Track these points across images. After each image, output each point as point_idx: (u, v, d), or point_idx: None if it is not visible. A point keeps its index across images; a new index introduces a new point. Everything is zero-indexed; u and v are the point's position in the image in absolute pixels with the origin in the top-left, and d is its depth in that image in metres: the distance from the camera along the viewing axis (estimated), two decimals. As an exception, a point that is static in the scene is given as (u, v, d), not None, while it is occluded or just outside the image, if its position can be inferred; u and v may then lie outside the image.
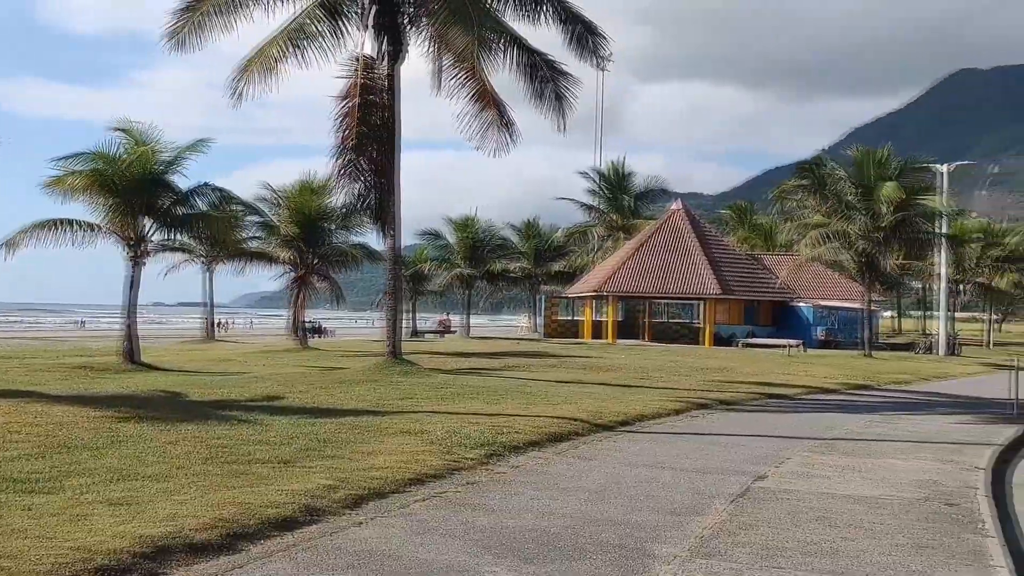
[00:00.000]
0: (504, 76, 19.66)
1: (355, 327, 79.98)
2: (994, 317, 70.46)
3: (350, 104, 18.90)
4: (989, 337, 61.50)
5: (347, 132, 18.81)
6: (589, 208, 59.16)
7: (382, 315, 23.21)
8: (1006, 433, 13.60)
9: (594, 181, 58.38)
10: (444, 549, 6.06)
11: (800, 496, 8.26)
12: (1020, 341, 67.13)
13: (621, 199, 57.73)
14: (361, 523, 6.68)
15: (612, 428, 12.24)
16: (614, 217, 57.53)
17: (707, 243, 47.97)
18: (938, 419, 15.73)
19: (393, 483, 7.84)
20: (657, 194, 60.21)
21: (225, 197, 23.67)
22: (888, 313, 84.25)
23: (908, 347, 48.32)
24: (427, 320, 67.65)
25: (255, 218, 36.09)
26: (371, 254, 34.74)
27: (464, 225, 56.43)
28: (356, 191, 19.37)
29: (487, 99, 19.14)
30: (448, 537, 6.38)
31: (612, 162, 59.35)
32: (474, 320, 66.24)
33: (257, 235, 37.09)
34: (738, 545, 6.43)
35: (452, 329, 59.48)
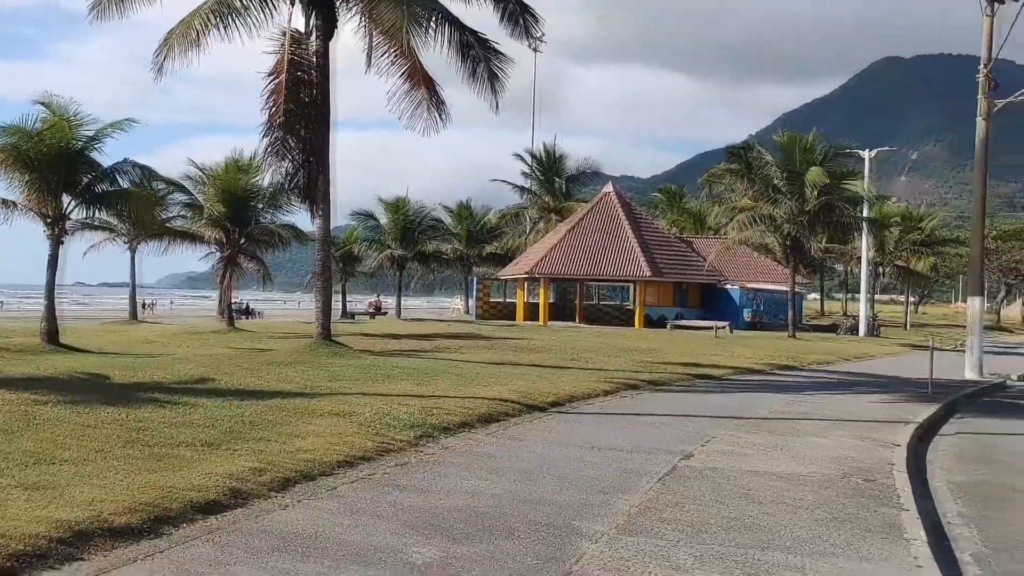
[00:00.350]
0: (438, 55, 19.49)
1: (286, 309, 78.85)
2: (912, 299, 72.68)
3: (278, 81, 18.51)
4: (907, 318, 63.49)
5: (275, 109, 18.43)
6: (523, 190, 59.24)
7: (313, 296, 22.88)
8: (922, 411, 14.06)
9: (527, 163, 58.46)
10: (372, 530, 6.01)
11: (725, 474, 8.41)
12: (936, 322, 69.49)
13: (554, 181, 57.91)
14: (288, 506, 6.59)
15: (543, 409, 12.29)
16: (547, 199, 57.71)
17: (639, 226, 48.43)
18: (858, 398, 16.18)
19: (321, 465, 7.74)
20: (590, 176, 60.53)
21: (148, 174, 22.98)
22: (813, 295, 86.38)
23: (831, 328, 49.60)
24: (359, 302, 67.02)
25: (181, 196, 35.25)
26: (301, 235, 34.22)
27: (396, 206, 55.93)
28: (285, 170, 19.00)
29: (418, 77, 18.94)
30: (376, 518, 6.33)
31: (545, 144, 59.49)
32: (407, 302, 65.86)
33: (183, 214, 36.22)
34: (664, 522, 6.52)
35: (384, 311, 59.05)
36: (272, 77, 18.74)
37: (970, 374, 22.08)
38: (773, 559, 5.71)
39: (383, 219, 56.25)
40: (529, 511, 6.68)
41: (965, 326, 25.51)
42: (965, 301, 29.98)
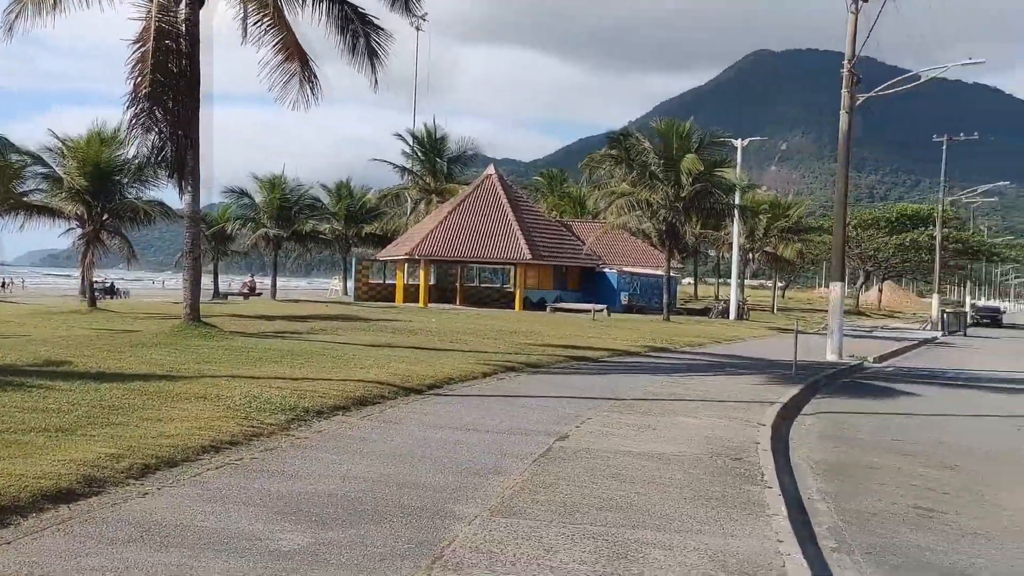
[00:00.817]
0: (317, 28, 18.99)
1: (154, 288, 75.82)
2: (780, 284, 75.78)
3: (144, 49, 17.67)
4: (775, 303, 66.16)
5: (140, 79, 17.59)
6: (404, 171, 58.68)
7: (182, 276, 22.02)
8: (787, 392, 14.63)
9: (409, 144, 57.92)
10: (238, 517, 5.79)
11: (599, 454, 8.51)
12: (802, 307, 72.69)
13: (436, 162, 57.59)
14: (147, 493, 6.28)
15: (420, 391, 12.17)
16: (428, 180, 57.37)
17: (520, 209, 48.71)
18: (727, 379, 16.70)
19: (185, 451, 7.42)
20: (472, 158, 60.47)
21: (2, 144, 21.63)
22: (687, 280, 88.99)
23: (704, 312, 51.17)
24: (232, 282, 65.11)
25: (40, 169, 33.28)
26: (169, 212, 32.87)
27: (272, 184, 54.48)
28: (151, 143, 18.16)
29: (291, 50, 18.42)
30: (243, 505, 6.10)
31: (427, 125, 59.05)
32: (283, 282, 64.45)
33: (41, 188, 34.23)
34: (538, 503, 6.53)
35: (259, 291, 57.60)
36: (138, 45, 17.88)
37: (831, 356, 23.13)
38: (642, 537, 5.80)
39: (258, 197, 54.74)
40: (403, 495, 6.57)
41: (827, 310, 26.70)
42: (828, 286, 31.36)
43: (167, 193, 31.45)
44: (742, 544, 5.78)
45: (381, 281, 52.36)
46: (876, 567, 5.95)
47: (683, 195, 40.37)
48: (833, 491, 8.17)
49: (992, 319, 70.22)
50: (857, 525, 6.99)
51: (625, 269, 49.89)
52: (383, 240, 57.19)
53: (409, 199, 58.56)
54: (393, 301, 47.35)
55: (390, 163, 58.19)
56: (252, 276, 64.37)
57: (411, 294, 47.63)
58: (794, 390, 15.01)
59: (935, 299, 59.38)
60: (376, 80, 19.30)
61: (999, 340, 44.22)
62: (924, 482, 8.79)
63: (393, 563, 5.02)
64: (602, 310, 41.16)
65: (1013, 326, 68.99)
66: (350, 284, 55.40)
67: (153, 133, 17.83)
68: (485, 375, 14.53)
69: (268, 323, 23.92)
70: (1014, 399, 17.38)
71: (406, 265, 48.74)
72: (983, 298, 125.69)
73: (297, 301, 45.83)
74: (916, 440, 11.35)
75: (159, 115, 17.76)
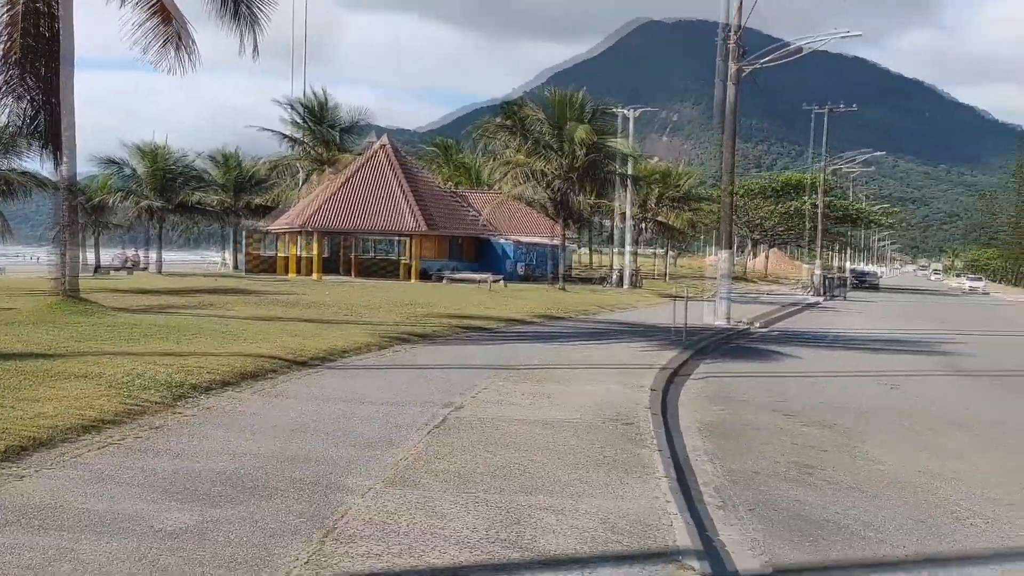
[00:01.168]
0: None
1: (31, 264, 72.21)
2: (671, 253, 77.53)
3: (13, 12, 16.69)
4: (666, 271, 67.72)
5: (10, 44, 16.63)
6: (294, 141, 57.27)
7: (59, 250, 20.97)
8: (676, 357, 15.04)
9: (297, 112, 56.48)
10: (121, 498, 5.61)
11: (493, 423, 8.57)
12: (691, 275, 74.60)
13: (326, 132, 56.40)
14: (24, 476, 6.01)
15: (312, 365, 12.00)
16: (318, 150, 56.17)
17: (413, 179, 48.32)
18: (620, 346, 17.04)
19: (64, 431, 7.13)
20: (363, 128, 59.43)
21: None
22: (582, 249, 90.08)
23: (598, 281, 51.98)
24: (114, 256, 62.62)
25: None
26: (44, 183, 31.32)
27: (153, 154, 52.42)
28: (23, 111, 17.23)
29: (164, 11, 17.66)
30: (126, 485, 5.91)
31: (315, 93, 57.63)
32: (169, 256, 62.31)
33: (-99, 158, 32.15)
34: (432, 473, 6.54)
35: (142, 265, 55.61)
36: (6, 8, 16.86)
37: (719, 321, 23.84)
38: (535, 502, 5.88)
39: (139, 168, 52.63)
40: (294, 470, 6.49)
41: (716, 277, 27.46)
42: (717, 254, 32.21)
43: (35, 164, 30.04)
44: (631, 505, 5.93)
45: (272, 254, 51.21)
46: (758, 522, 6.19)
47: (576, 165, 40.73)
48: (718, 451, 8.45)
49: (869, 283, 73.68)
50: (741, 483, 7.25)
51: (520, 239, 50.17)
52: (273, 212, 55.84)
53: (300, 170, 57.25)
54: (284, 274, 46.45)
55: (279, 133, 56.57)
56: (135, 250, 62.02)
57: (303, 266, 46.83)
58: (683, 355, 15.44)
59: (817, 265, 61.73)
60: (257, 47, 18.67)
61: (875, 303, 46.42)
62: (804, 440, 9.17)
63: (284, 538, 4.95)
64: (497, 280, 41.36)
65: (888, 289, 72.49)
66: (239, 257, 54.01)
67: (25, 101, 16.89)
68: (379, 347, 14.42)
69: (153, 298, 23.14)
70: (887, 358, 18.30)
71: (298, 237, 47.82)
72: (861, 263, 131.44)
73: (184, 275, 44.43)
74: (797, 400, 11.84)
75: (31, 82, 16.85)
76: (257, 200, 59.30)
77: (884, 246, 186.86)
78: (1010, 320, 36.75)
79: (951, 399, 12.69)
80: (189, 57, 18.07)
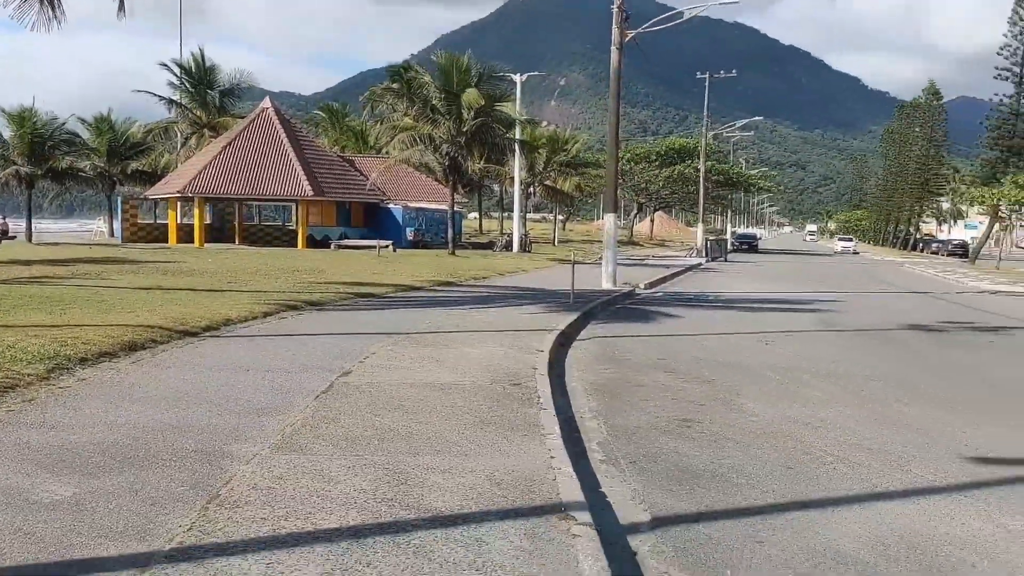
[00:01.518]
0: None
1: None
2: (560, 217, 78.35)
3: None
4: (556, 235, 68.45)
5: None
6: (171, 103, 55.16)
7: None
8: (564, 319, 15.31)
9: (175, 74, 54.40)
10: (-8, 474, 5.42)
11: (382, 387, 8.59)
12: (580, 239, 75.71)
13: (206, 95, 54.55)
14: None
15: (196, 334, 11.73)
16: (199, 113, 54.34)
17: (299, 144, 47.31)
18: (510, 310, 17.22)
19: (-72, 408, 6.82)
20: (247, 91, 57.84)
21: None
22: (472, 214, 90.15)
23: (488, 246, 52.16)
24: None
25: None
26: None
27: (22, 118, 49.69)
28: None
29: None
30: (-3, 461, 5.71)
31: (194, 54, 55.59)
32: (41, 224, 59.41)
33: None
34: (320, 438, 6.54)
35: (12, 234, 52.81)
36: None
37: (606, 284, 24.32)
38: (423, 463, 5.96)
39: (6, 132, 49.87)
40: (177, 439, 6.38)
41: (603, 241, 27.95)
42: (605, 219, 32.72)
43: None
44: (517, 463, 6.08)
45: (152, 221, 49.44)
46: (639, 474, 6.44)
47: (465, 130, 40.63)
48: (604, 409, 8.71)
49: (750, 245, 76.23)
50: (624, 438, 7.51)
51: (410, 204, 49.83)
52: (152, 177, 53.88)
53: (179, 134, 55.27)
54: (166, 242, 44.95)
55: (156, 95, 54.43)
56: (4, 218, 58.83)
57: (185, 234, 45.42)
58: (571, 317, 15.72)
59: (700, 228, 63.54)
60: (123, 4, 17.68)
61: (755, 264, 48.14)
62: (685, 396, 9.53)
63: (166, 507, 4.89)
64: (388, 246, 41.07)
65: (767, 251, 75.22)
66: (117, 225, 51.94)
67: None
68: (266, 315, 14.19)
69: (24, 268, 22.09)
70: (764, 317, 19.07)
71: (179, 203, 46.29)
72: (742, 226, 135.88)
73: (58, 244, 42.48)
74: (679, 358, 12.25)
75: None
76: (135, 165, 57.05)
77: (764, 209, 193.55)
78: (878, 278, 38.72)
79: (822, 353, 13.35)
80: (54, 12, 17.08)
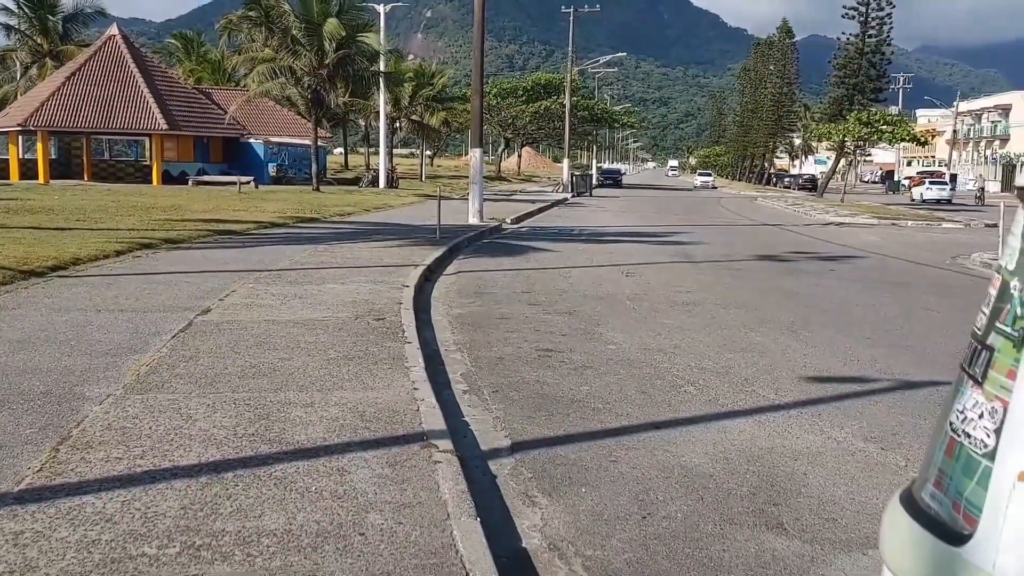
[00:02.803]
0: None
1: None
2: (428, 152, 77.62)
3: None
4: (423, 171, 67.90)
5: None
6: (8, 29, 51.32)
7: None
8: (430, 254, 15.35)
9: (12, -3, 50.53)
10: None
11: (243, 325, 8.46)
12: (448, 175, 75.40)
13: (47, 20, 50.97)
14: None
15: (43, 274, 11.19)
16: (39, 41, 50.80)
17: (151, 75, 44.99)
18: (375, 245, 17.11)
19: None
20: (91, 17, 54.30)
21: None
22: (338, 150, 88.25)
23: (354, 182, 51.36)
24: None
25: None
26: None
27: None
28: None
29: None
30: None
31: (31, -26, 51.70)
32: None
33: None
34: (177, 377, 6.42)
35: None
36: None
37: (473, 219, 24.43)
38: (285, 398, 5.95)
39: None
40: (24, 382, 6.14)
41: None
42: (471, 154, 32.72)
43: None
44: (381, 395, 6.15)
45: (-10, 156, 46.28)
46: (500, 402, 6.62)
47: (327, 62, 39.55)
48: (468, 342, 8.85)
49: (614, 180, 77.84)
50: (487, 369, 7.68)
51: (272, 139, 48.37)
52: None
53: (18, 62, 51.59)
54: (7, 179, 42.20)
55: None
56: None
57: (28, 170, 42.75)
58: (437, 252, 15.78)
59: (566, 163, 64.21)
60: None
61: (619, 199, 49.22)
62: (547, 327, 9.78)
63: (14, 449, 4.73)
64: (249, 182, 39.86)
65: (630, 186, 76.96)
66: (-49, 160, 48.32)
67: None
68: (118, 253, 13.64)
69: None
70: (625, 248, 19.64)
71: (20, 137, 43.42)
72: (607, 162, 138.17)
73: None
74: (543, 291, 12.52)
75: None
76: (-33, 96, 52.98)
77: (628, 145, 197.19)
78: (733, 211, 40.31)
79: (679, 283, 13.90)
80: None
